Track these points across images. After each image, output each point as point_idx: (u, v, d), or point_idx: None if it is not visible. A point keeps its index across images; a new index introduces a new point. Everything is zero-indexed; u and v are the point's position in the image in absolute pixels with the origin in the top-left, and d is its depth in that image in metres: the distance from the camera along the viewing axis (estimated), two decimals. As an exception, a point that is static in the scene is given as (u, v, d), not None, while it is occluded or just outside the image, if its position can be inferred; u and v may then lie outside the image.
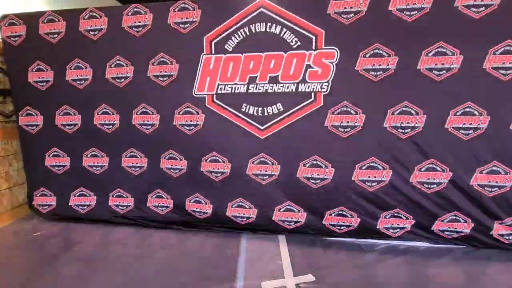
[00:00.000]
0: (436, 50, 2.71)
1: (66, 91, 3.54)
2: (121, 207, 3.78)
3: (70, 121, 3.61)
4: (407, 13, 2.72)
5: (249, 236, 3.39)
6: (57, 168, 3.79)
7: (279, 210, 3.33)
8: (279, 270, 2.74)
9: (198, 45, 3.19)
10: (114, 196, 3.77)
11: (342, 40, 2.92)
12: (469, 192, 2.86)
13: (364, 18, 2.82)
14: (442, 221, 2.96)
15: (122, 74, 3.39)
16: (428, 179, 2.91)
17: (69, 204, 3.85)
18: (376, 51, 2.84)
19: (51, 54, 3.49)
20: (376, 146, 3.00)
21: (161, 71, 3.30)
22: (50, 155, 3.76)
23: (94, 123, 3.57)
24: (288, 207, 3.30)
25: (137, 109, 3.43)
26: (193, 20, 3.15)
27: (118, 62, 3.38)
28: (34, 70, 3.56)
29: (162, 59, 3.28)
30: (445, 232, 2.99)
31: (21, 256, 3.12)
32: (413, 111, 2.85)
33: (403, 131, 2.90)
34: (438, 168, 2.88)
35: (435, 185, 2.91)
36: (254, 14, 3.03)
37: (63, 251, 3.14)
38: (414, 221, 3.03)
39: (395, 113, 2.90)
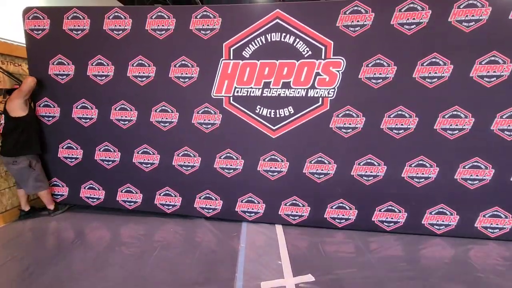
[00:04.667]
0: (429, 60, 3.13)
1: (86, 85, 3.69)
2: (128, 203, 3.93)
3: (87, 114, 3.75)
4: (406, 26, 3.14)
5: (248, 237, 3.45)
6: (69, 160, 3.88)
7: (285, 205, 3.63)
8: (279, 270, 2.79)
9: (218, 51, 3.46)
10: (123, 191, 3.91)
11: (348, 51, 3.28)
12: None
13: (369, 31, 3.21)
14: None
15: (144, 73, 3.59)
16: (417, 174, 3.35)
17: (80, 195, 3.96)
18: (378, 61, 3.25)
19: (73, 49, 3.63)
20: (374, 145, 3.37)
21: (182, 73, 3.54)
22: (64, 147, 3.86)
23: (111, 118, 3.72)
24: (294, 201, 3.60)
25: (156, 106, 3.63)
26: (214, 27, 3.43)
27: (140, 61, 3.58)
28: (55, 63, 3.68)
29: (183, 62, 3.52)
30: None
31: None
32: (406, 114, 3.25)
33: (397, 132, 3.30)
34: (427, 164, 3.32)
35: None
36: (271, 24, 3.35)
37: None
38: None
39: (391, 116, 3.29)
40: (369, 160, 3.39)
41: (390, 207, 3.42)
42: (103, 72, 3.65)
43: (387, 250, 3.15)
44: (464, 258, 2.99)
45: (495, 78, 3.06)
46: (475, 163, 3.21)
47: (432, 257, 3.03)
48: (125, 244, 3.26)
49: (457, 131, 3.18)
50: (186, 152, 3.69)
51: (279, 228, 3.63)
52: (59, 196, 4.05)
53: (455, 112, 3.16)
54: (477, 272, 2.74)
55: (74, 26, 3.60)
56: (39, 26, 3.66)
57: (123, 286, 2.56)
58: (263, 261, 2.95)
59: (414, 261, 2.95)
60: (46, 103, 3.78)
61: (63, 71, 3.70)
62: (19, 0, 4.28)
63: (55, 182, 4.00)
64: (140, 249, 3.15)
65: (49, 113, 3.80)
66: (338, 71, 3.32)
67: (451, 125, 3.19)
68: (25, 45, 3.73)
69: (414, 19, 3.11)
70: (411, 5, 3.08)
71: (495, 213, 3.28)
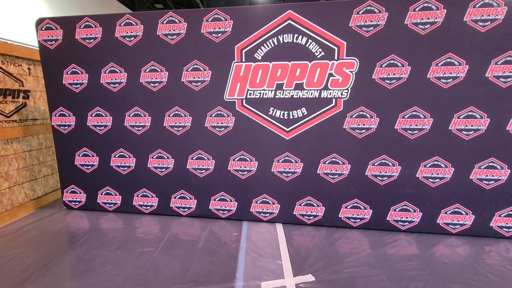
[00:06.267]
0: (444, 61, 3.10)
1: (100, 93, 3.72)
2: (145, 207, 4.00)
3: (102, 122, 3.79)
4: (421, 26, 3.11)
5: (248, 236, 3.47)
6: (86, 167, 3.95)
7: (300, 205, 3.67)
8: (279, 270, 2.81)
9: (230, 54, 3.45)
10: (139, 195, 3.98)
11: (361, 51, 3.26)
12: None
13: (382, 30, 3.18)
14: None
15: (156, 78, 3.61)
16: (434, 173, 3.36)
17: (97, 201, 4.03)
18: (392, 61, 3.23)
19: (86, 58, 3.66)
20: (388, 145, 3.38)
21: (194, 77, 3.55)
22: (80, 155, 3.92)
23: (125, 124, 3.76)
24: (308, 202, 3.64)
25: (169, 111, 3.66)
26: (225, 30, 3.42)
27: (152, 67, 3.59)
28: (69, 73, 3.72)
29: (195, 66, 3.52)
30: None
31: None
32: (421, 115, 3.25)
33: (412, 132, 3.30)
34: (442, 165, 3.32)
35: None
36: (283, 25, 3.33)
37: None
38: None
39: (405, 117, 3.29)
40: (383, 161, 3.40)
41: (405, 207, 3.45)
42: (116, 79, 3.68)
43: (390, 250, 3.16)
44: (479, 257, 3.00)
45: (511, 79, 3.03)
46: (491, 163, 3.20)
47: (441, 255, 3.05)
48: (125, 244, 3.29)
49: (473, 132, 3.17)
50: (200, 155, 3.73)
51: (279, 228, 3.67)
52: (77, 203, 4.14)
53: (470, 113, 3.13)
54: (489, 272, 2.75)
55: (87, 34, 3.62)
56: (52, 36, 3.69)
57: (123, 286, 2.58)
58: (263, 261, 2.98)
59: (419, 261, 2.95)
60: (61, 112, 3.84)
61: (77, 80, 3.74)
62: (19, 0, 4.27)
63: (72, 189, 4.08)
64: (140, 249, 3.19)
65: (65, 122, 3.86)
66: (351, 71, 3.30)
67: (466, 125, 3.17)
68: (25, 45, 3.71)
69: (428, 18, 3.06)
70: (426, 5, 3.03)
71: (511, 212, 3.29)
